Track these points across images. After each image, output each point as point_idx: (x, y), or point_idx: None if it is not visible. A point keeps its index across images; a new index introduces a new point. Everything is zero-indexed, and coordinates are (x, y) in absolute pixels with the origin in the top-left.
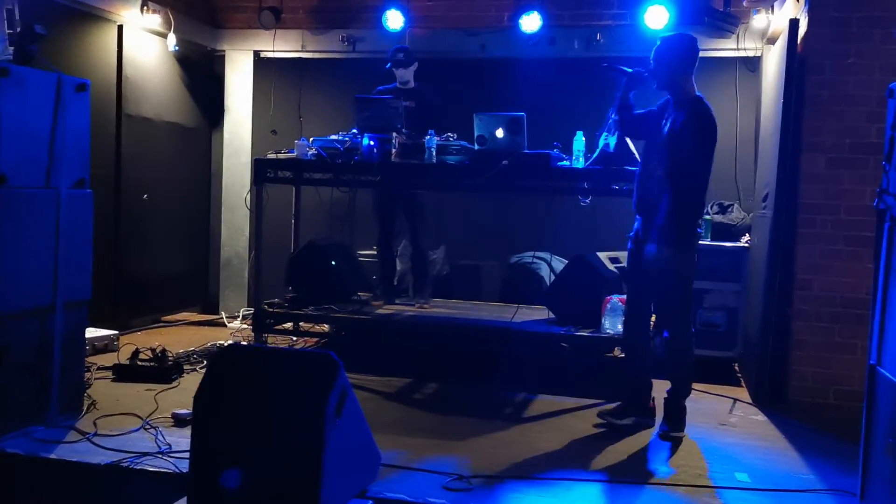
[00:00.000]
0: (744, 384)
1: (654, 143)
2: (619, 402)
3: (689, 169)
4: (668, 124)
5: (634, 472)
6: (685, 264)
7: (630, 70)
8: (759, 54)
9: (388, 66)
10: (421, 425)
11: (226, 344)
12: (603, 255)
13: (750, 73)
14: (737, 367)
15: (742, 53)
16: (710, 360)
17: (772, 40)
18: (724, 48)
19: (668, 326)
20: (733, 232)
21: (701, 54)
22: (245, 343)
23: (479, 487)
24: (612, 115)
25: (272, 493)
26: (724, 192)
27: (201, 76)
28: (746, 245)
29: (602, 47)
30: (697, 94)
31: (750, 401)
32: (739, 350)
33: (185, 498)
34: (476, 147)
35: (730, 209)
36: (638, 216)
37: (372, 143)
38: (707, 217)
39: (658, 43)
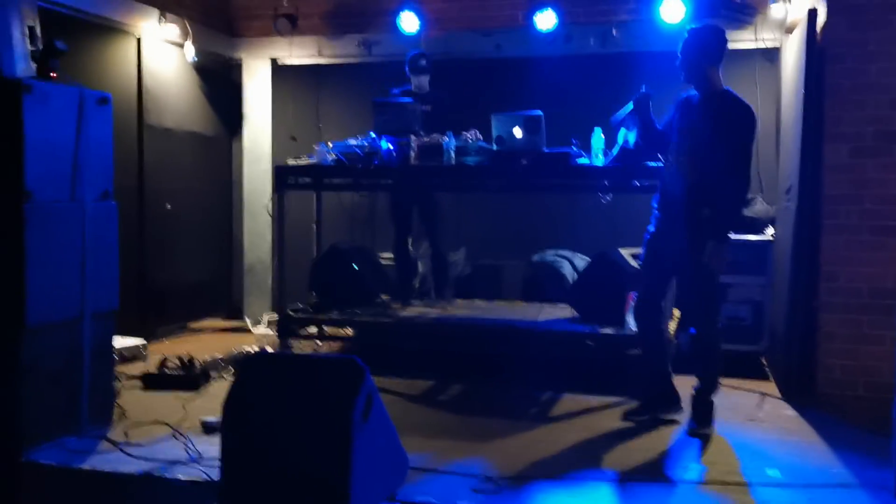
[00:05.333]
0: (771, 378)
1: (683, 142)
2: (641, 400)
3: (736, 168)
4: (702, 123)
5: (664, 471)
6: (721, 260)
7: (631, 103)
8: (777, 45)
9: (406, 69)
10: (447, 427)
11: (252, 350)
12: (625, 252)
13: (769, 65)
14: (764, 361)
15: (760, 45)
16: (736, 355)
17: (790, 30)
18: (742, 40)
19: (697, 322)
20: (757, 225)
21: None
22: (271, 349)
23: (508, 489)
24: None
25: (302, 498)
26: None
27: (220, 85)
28: (771, 238)
29: (618, 43)
30: (725, 87)
31: (778, 395)
32: (766, 344)
33: None
34: (495, 147)
35: (753, 202)
36: (658, 212)
37: (391, 146)
38: None
39: (685, 35)
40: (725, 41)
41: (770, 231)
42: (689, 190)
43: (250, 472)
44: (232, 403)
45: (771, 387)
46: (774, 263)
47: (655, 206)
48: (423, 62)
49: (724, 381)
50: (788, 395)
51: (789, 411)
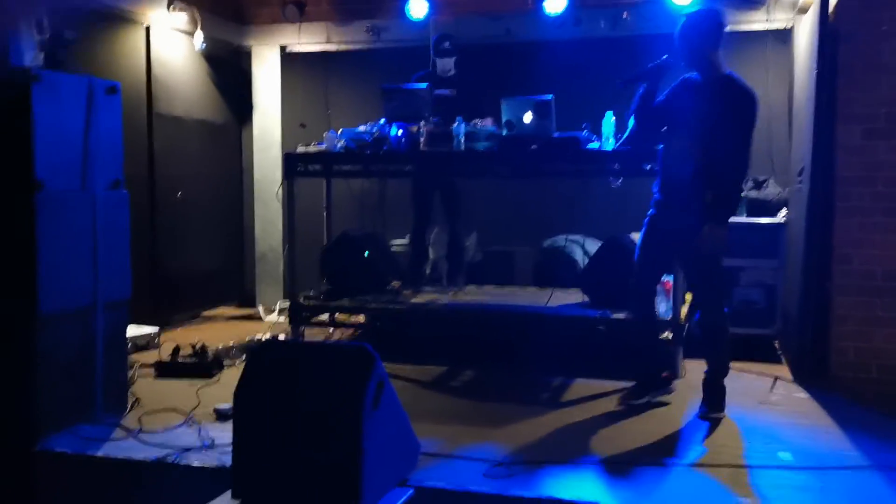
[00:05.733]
0: (784, 362)
1: (689, 127)
2: (635, 384)
3: (738, 152)
4: (708, 107)
5: (675, 454)
6: (721, 243)
7: (650, 66)
8: (790, 26)
9: (432, 54)
10: (459, 412)
11: (263, 338)
12: (636, 236)
13: (781, 46)
14: (777, 345)
15: (772, 26)
16: (749, 338)
17: (803, 11)
18: (754, 21)
19: (702, 307)
20: (769, 208)
21: (729, 28)
22: (282, 337)
23: (519, 474)
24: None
25: (314, 484)
26: (758, 168)
27: (229, 73)
28: (783, 220)
29: (629, 26)
30: (727, 71)
31: (791, 378)
32: (778, 327)
33: (229, 492)
34: (504, 132)
35: (765, 185)
36: (659, 195)
37: (400, 132)
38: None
39: (682, 20)
40: (724, 24)
41: (783, 213)
42: (695, 174)
43: (262, 458)
44: (243, 391)
45: (784, 370)
46: (787, 246)
47: (656, 190)
48: (447, 44)
49: (736, 364)
50: (801, 378)
51: (802, 394)
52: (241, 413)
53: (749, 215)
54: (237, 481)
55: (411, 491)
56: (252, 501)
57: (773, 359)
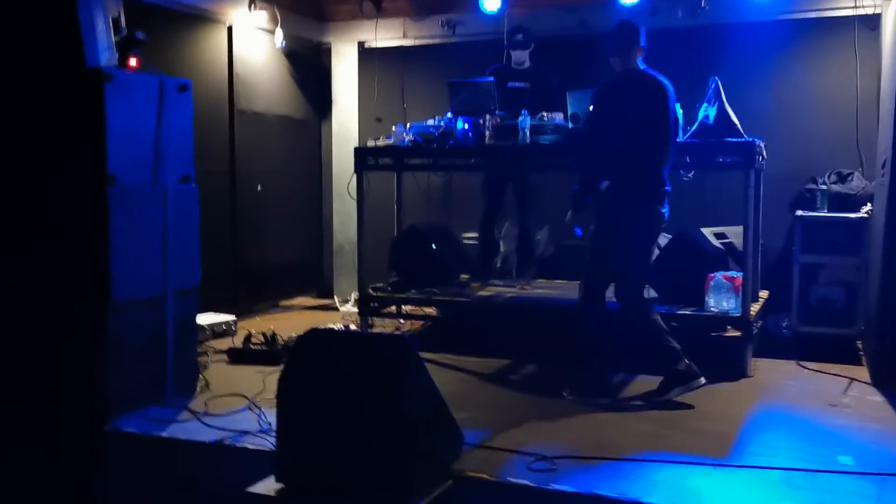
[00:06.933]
0: (865, 363)
1: None
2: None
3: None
4: None
5: (728, 454)
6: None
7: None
8: (878, 11)
9: (505, 47)
10: (514, 406)
11: (335, 327)
12: (707, 231)
13: (870, 32)
14: (859, 346)
15: (861, 11)
16: (829, 338)
17: None
18: (841, 6)
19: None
20: (853, 202)
21: (816, 14)
22: (353, 327)
23: (564, 468)
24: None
25: (353, 470)
26: (844, 160)
27: (309, 69)
28: (866, 215)
29: (707, 15)
30: (640, 67)
31: (869, 381)
32: (860, 327)
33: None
34: (570, 125)
35: (849, 178)
36: None
37: (466, 126)
38: (823, 187)
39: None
40: (635, 29)
41: (866, 208)
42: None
43: (304, 444)
44: (286, 379)
45: (863, 372)
46: (870, 242)
47: None
48: (520, 37)
49: (812, 364)
50: (879, 381)
51: (877, 397)
52: (285, 400)
53: (831, 210)
54: (281, 465)
55: (449, 480)
56: (294, 485)
57: (853, 360)
